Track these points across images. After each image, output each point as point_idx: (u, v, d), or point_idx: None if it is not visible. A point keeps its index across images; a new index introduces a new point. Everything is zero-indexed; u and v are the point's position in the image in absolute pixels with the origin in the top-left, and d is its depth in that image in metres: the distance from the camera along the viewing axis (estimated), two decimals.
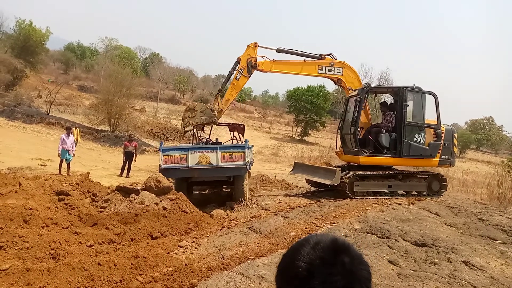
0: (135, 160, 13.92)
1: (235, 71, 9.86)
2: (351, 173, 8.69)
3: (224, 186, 11.12)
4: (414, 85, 9.01)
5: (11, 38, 36.69)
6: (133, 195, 7.86)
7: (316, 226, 6.22)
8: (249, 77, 9.94)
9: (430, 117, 9.12)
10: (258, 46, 9.90)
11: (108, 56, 50.03)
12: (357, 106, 8.96)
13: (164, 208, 7.37)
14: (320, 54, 10.13)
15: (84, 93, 41.12)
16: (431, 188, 9.08)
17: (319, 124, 43.58)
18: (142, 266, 4.64)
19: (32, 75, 35.95)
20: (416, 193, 9.09)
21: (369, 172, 8.81)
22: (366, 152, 8.92)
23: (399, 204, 7.67)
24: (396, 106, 9.20)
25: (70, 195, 7.64)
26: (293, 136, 43.91)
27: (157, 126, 31.35)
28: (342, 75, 10.10)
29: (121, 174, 13.62)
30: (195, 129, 10.88)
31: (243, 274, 4.17)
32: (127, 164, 13.69)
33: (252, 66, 9.78)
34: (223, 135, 16.61)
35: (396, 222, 6.16)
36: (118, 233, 6.21)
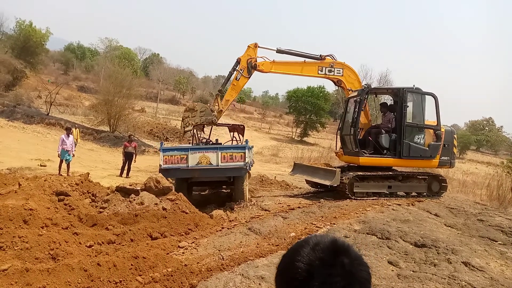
0: (135, 161, 13.91)
1: (235, 72, 9.86)
2: (351, 173, 8.69)
3: (224, 186, 11.12)
4: (414, 86, 9.01)
5: (11, 39, 36.71)
6: (132, 195, 7.86)
7: (316, 227, 6.22)
8: (249, 77, 9.94)
9: (430, 118, 9.13)
10: (259, 47, 9.90)
11: (108, 56, 50.04)
12: (357, 107, 8.96)
13: (164, 209, 7.37)
14: (320, 55, 10.14)
15: (84, 93, 41.13)
16: (431, 189, 9.08)
17: (319, 125, 43.59)
18: (142, 267, 4.64)
19: (32, 75, 35.95)
20: (416, 194, 9.09)
21: (369, 173, 8.81)
22: (366, 153, 8.92)
23: (399, 205, 7.67)
24: (396, 107, 9.20)
25: (69, 196, 7.64)
26: (293, 137, 43.91)
27: (157, 127, 31.36)
28: (342, 76, 10.10)
29: (120, 175, 13.61)
30: (195, 130, 10.88)
31: (242, 274, 4.17)
32: (126, 164, 13.68)
33: (252, 67, 9.78)
34: (223, 135, 16.60)
35: (396, 223, 6.16)
36: (118, 234, 6.20)
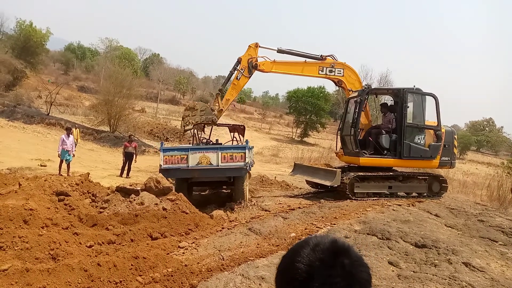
0: (135, 161, 13.91)
1: (235, 71, 9.85)
2: (352, 174, 8.69)
3: (224, 187, 11.12)
4: (414, 86, 9.01)
5: (11, 39, 36.79)
6: (133, 195, 7.86)
7: (316, 227, 6.22)
8: (250, 77, 9.94)
9: (430, 119, 9.13)
10: (259, 47, 9.90)
11: (108, 56, 50.09)
12: (357, 108, 8.96)
13: (164, 209, 7.37)
14: (321, 55, 10.13)
15: (84, 93, 41.16)
16: (431, 189, 9.07)
17: (319, 125, 43.59)
18: (142, 267, 4.64)
19: (32, 75, 35.99)
20: (416, 195, 9.08)
21: (369, 173, 8.81)
22: (366, 153, 8.92)
23: (399, 205, 7.67)
24: (396, 107, 9.19)
25: (70, 196, 7.64)
26: (293, 137, 43.90)
27: (157, 127, 31.38)
28: (342, 76, 10.10)
29: (121, 175, 13.62)
30: (195, 130, 10.88)
31: (243, 275, 4.17)
32: (127, 164, 13.69)
33: (253, 67, 9.78)
34: (223, 136, 16.60)
35: (396, 223, 6.16)
36: (118, 234, 6.20)
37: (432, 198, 8.82)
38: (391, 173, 9.01)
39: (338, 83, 10.31)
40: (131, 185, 8.55)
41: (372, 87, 10.19)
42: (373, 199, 8.46)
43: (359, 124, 9.16)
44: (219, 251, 5.37)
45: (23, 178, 9.31)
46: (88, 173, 9.54)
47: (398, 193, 8.98)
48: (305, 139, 42.64)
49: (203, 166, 8.78)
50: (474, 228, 6.32)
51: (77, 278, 4.24)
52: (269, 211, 8.16)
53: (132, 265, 4.62)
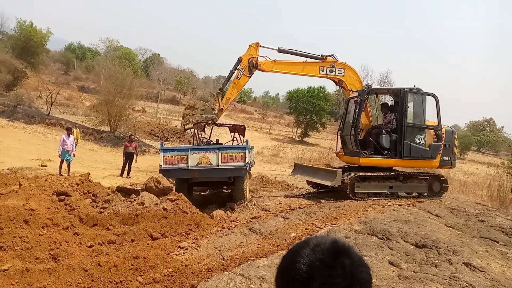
0: (136, 160, 13.92)
1: (236, 71, 9.86)
2: (353, 174, 8.68)
3: (224, 187, 11.12)
4: (414, 86, 9.00)
5: (12, 39, 36.81)
6: (133, 195, 7.86)
7: (317, 227, 6.21)
8: (250, 76, 9.94)
9: (430, 119, 9.12)
10: (260, 46, 9.91)
11: (108, 57, 50.15)
12: (357, 108, 8.95)
13: (165, 209, 7.37)
14: (322, 54, 10.13)
15: (85, 93, 41.19)
16: (432, 189, 9.07)
17: (319, 125, 43.58)
18: (142, 267, 4.64)
19: (32, 75, 36.01)
20: (417, 194, 9.08)
21: (370, 173, 8.81)
22: (366, 153, 8.91)
23: (400, 205, 7.66)
24: (397, 107, 9.19)
25: (70, 196, 7.64)
26: (294, 137, 43.90)
27: (157, 127, 31.40)
28: (343, 76, 10.09)
29: (121, 175, 13.62)
30: (195, 130, 10.88)
31: (243, 275, 4.17)
32: (127, 164, 13.69)
33: (253, 66, 9.78)
34: (223, 136, 16.60)
35: (396, 224, 6.15)
36: (118, 234, 6.20)
37: (432, 198, 8.82)
38: (391, 173, 9.01)
39: (338, 83, 10.31)
40: (131, 185, 8.55)
41: (372, 87, 10.18)
42: (373, 199, 8.46)
43: (360, 124, 9.16)
44: (220, 251, 5.37)
45: (24, 178, 9.31)
46: (89, 173, 9.54)
47: (399, 193, 8.98)
48: (306, 139, 42.63)
49: (203, 166, 8.77)
50: (475, 228, 6.31)
51: (77, 278, 4.24)
52: (269, 211, 8.15)
53: (132, 265, 4.62)
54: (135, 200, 7.72)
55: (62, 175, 10.85)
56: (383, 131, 9.16)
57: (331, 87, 46.75)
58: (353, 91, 9.87)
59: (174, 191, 8.33)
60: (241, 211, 8.59)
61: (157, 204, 7.60)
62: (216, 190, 11.47)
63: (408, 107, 8.88)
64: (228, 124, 13.92)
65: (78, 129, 17.25)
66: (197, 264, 4.85)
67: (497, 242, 5.70)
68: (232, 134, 12.80)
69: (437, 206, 7.85)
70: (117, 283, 4.35)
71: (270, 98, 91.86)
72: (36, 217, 5.94)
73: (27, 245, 4.98)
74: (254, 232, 6.19)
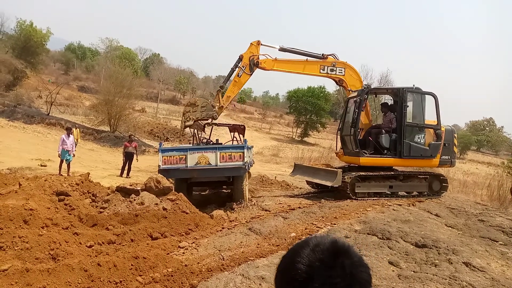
0: (137, 160, 13.92)
1: (237, 69, 9.85)
2: (353, 174, 8.68)
3: (224, 186, 11.12)
4: (413, 86, 9.01)
5: (12, 39, 36.81)
6: (133, 195, 7.85)
7: (317, 227, 6.21)
8: (251, 74, 9.93)
9: (430, 118, 9.12)
10: (261, 45, 9.91)
11: (108, 56, 50.16)
12: (357, 107, 8.95)
13: (164, 209, 7.36)
14: (323, 54, 10.13)
15: (85, 93, 41.19)
16: (432, 188, 9.08)
17: (319, 125, 43.58)
18: (142, 267, 4.63)
19: (32, 75, 36.00)
20: (417, 194, 9.08)
21: (370, 173, 8.81)
22: (366, 153, 8.91)
23: (400, 205, 7.66)
24: (397, 107, 9.19)
25: (70, 196, 7.64)
26: (293, 137, 43.90)
27: (157, 127, 31.40)
28: (344, 75, 10.09)
29: (121, 175, 13.62)
30: (195, 130, 10.88)
31: (243, 275, 4.16)
32: (127, 164, 13.69)
33: (254, 64, 9.77)
34: (223, 135, 16.60)
35: (396, 223, 6.15)
36: (118, 234, 6.20)
37: (432, 197, 8.82)
38: (392, 173, 9.01)
39: (339, 82, 10.31)
40: (131, 185, 8.55)
41: (372, 87, 10.18)
42: (373, 199, 8.46)
43: (359, 124, 9.16)
44: (219, 251, 5.37)
45: (23, 178, 9.30)
46: (88, 173, 9.54)
47: (399, 193, 8.98)
48: (305, 139, 42.63)
49: (202, 166, 8.77)
50: (475, 228, 6.31)
51: (77, 278, 4.24)
52: (269, 211, 8.15)
53: (132, 265, 4.62)
54: (135, 200, 7.72)
55: (62, 175, 10.85)
56: (383, 130, 9.16)
57: (331, 87, 46.86)
58: (352, 91, 9.87)
59: (173, 191, 8.33)
60: (241, 211, 8.58)
61: (157, 204, 7.59)
62: (216, 190, 11.47)
63: (408, 106, 8.88)
64: (228, 124, 13.93)
65: (78, 129, 17.25)
66: (197, 264, 4.84)
67: (497, 241, 5.70)
68: (232, 134, 12.81)
69: (437, 206, 7.85)
70: (116, 283, 4.35)
71: (270, 98, 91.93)
72: (35, 217, 5.94)
73: (26, 245, 4.97)
74: (254, 232, 6.19)
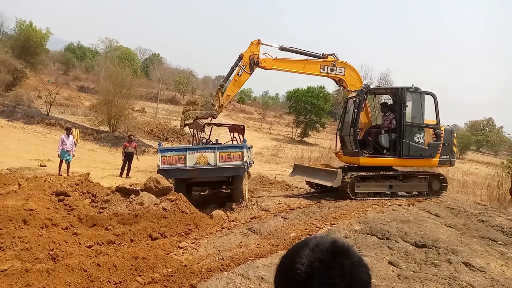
0: (137, 159, 13.92)
1: (237, 67, 9.84)
2: (353, 174, 8.69)
3: (223, 186, 11.11)
4: (413, 85, 9.02)
5: (11, 39, 36.77)
6: (132, 195, 7.85)
7: (316, 227, 6.21)
8: (251, 73, 9.92)
9: (429, 117, 9.13)
10: (261, 44, 9.91)
11: (108, 57, 50.12)
12: (356, 108, 8.95)
13: (164, 209, 7.36)
14: (323, 53, 10.13)
15: (84, 93, 41.18)
16: (432, 188, 9.09)
17: (319, 125, 43.59)
18: (142, 267, 4.63)
19: (32, 75, 35.98)
20: (416, 193, 9.09)
21: (370, 173, 8.81)
22: (365, 153, 8.92)
23: (399, 205, 7.66)
24: (396, 107, 9.20)
25: (69, 196, 7.63)
26: (293, 137, 43.91)
27: (157, 127, 31.40)
28: (344, 75, 10.09)
29: (120, 175, 13.61)
30: (195, 130, 10.88)
31: (242, 275, 4.16)
32: (126, 164, 13.69)
33: (254, 63, 9.77)
34: (223, 136, 16.61)
35: (396, 223, 6.15)
36: (118, 234, 6.19)
37: (432, 196, 8.83)
38: (391, 173, 9.01)
39: (339, 82, 10.31)
40: (131, 185, 8.55)
41: (371, 87, 10.18)
42: (373, 199, 8.46)
43: (359, 124, 9.16)
44: (219, 251, 5.37)
45: (23, 178, 9.30)
46: (88, 173, 9.54)
47: (399, 193, 8.98)
48: (305, 139, 42.64)
49: (201, 166, 8.76)
50: (474, 228, 6.32)
51: (76, 278, 4.24)
52: (269, 211, 8.15)
53: (131, 265, 4.61)
54: (134, 200, 7.71)
55: (61, 175, 10.84)
56: (382, 130, 9.16)
57: (330, 87, 46.85)
58: (351, 91, 9.88)
59: (173, 191, 8.32)
60: (240, 211, 8.58)
61: (156, 204, 7.59)
62: (216, 190, 11.47)
63: (407, 106, 8.89)
64: (228, 124, 13.93)
65: (77, 129, 17.23)
66: (197, 264, 4.84)
67: (496, 241, 5.70)
68: (232, 134, 12.81)
69: (437, 206, 7.86)
70: (116, 283, 4.35)
71: (270, 98, 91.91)
72: (35, 217, 5.93)
73: (26, 245, 4.97)
74: (253, 232, 6.19)
